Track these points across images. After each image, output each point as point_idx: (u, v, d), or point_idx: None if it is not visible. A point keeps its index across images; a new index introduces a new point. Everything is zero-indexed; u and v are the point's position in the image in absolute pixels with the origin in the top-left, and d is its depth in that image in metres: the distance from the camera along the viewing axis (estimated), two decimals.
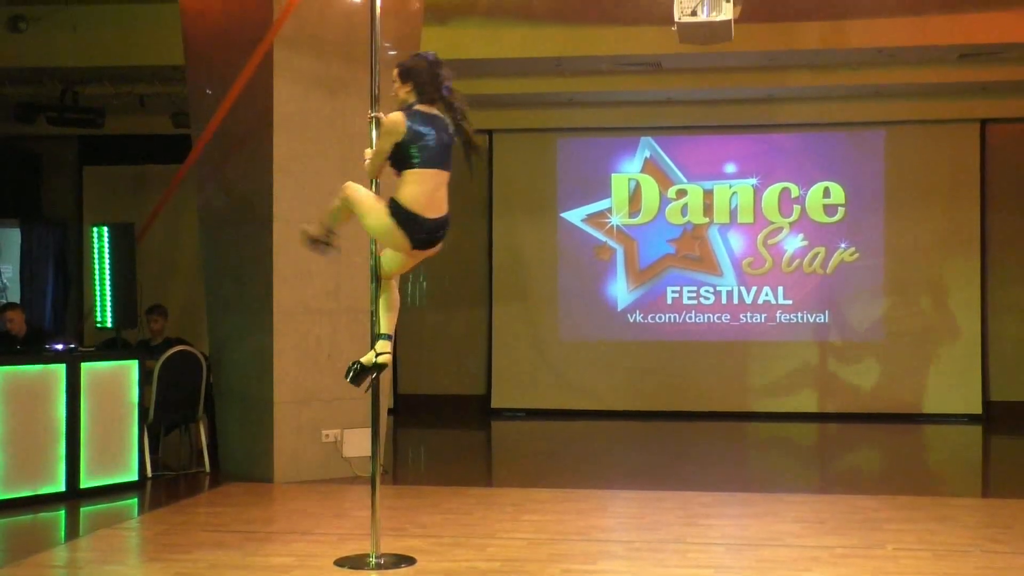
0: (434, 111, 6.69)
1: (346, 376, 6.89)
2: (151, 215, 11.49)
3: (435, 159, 6.60)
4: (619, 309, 15.92)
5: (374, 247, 7.00)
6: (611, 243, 15.94)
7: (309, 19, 9.96)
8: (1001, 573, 6.92)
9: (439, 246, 6.84)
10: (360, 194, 6.76)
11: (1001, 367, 15.32)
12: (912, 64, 13.68)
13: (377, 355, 6.82)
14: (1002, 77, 13.69)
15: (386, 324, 6.89)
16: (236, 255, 10.68)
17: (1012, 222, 15.35)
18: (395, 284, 7.05)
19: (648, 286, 15.88)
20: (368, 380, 6.88)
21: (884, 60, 13.41)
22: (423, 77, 6.66)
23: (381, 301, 6.91)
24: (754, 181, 15.68)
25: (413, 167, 6.58)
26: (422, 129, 6.57)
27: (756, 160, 15.74)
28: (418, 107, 6.66)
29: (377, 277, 6.96)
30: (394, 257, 6.92)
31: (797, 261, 15.62)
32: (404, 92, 6.72)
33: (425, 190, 6.58)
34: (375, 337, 6.93)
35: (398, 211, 6.58)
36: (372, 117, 6.89)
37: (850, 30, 12.63)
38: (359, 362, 6.85)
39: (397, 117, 6.58)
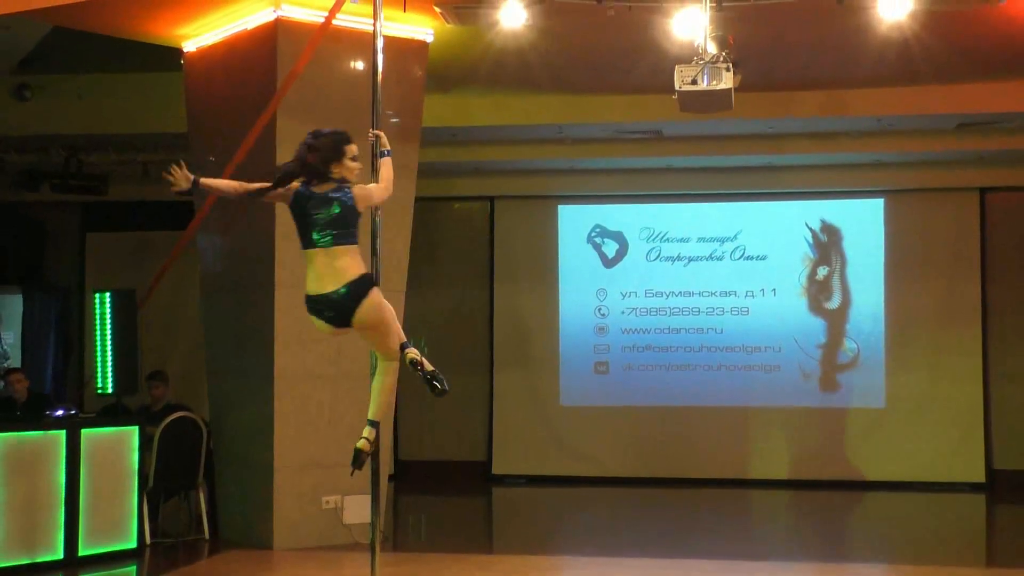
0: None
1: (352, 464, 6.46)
2: (154, 281, 11.53)
3: None
4: (620, 375, 15.89)
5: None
6: (613, 309, 15.95)
7: (312, 87, 10.04)
8: None
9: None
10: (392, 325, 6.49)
11: (1004, 435, 15.24)
12: (911, 133, 13.76)
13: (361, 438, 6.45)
14: (1001, 146, 13.75)
15: (373, 409, 6.53)
16: (237, 321, 10.70)
17: (1013, 290, 15.34)
18: (395, 367, 6.60)
19: (649, 352, 15.87)
20: (362, 463, 6.58)
21: (883, 129, 13.50)
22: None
23: (374, 383, 6.58)
24: (753, 249, 15.71)
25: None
26: None
27: (755, 227, 15.77)
28: None
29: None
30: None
31: (798, 328, 15.61)
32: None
33: None
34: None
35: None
36: (374, 135, 6.71)
37: (849, 99, 12.73)
38: (356, 447, 6.44)
39: None
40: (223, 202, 10.36)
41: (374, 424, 6.48)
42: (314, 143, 6.29)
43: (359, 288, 6.24)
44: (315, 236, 6.25)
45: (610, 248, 16.09)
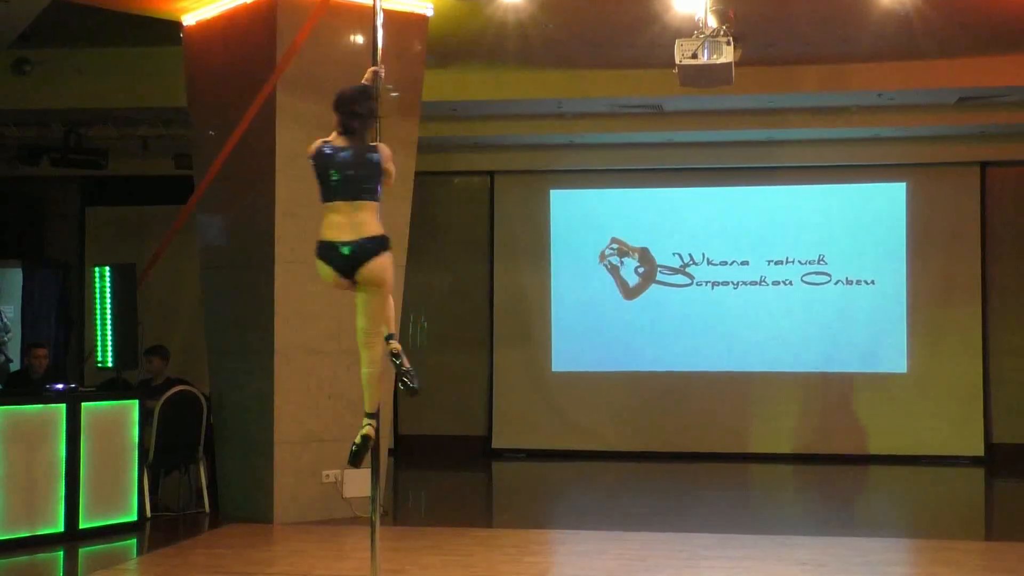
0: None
1: (349, 461, 6.57)
2: (154, 256, 11.51)
3: None
4: (620, 348, 15.89)
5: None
6: (614, 284, 15.94)
7: (311, 62, 10.01)
8: None
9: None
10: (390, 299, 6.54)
11: (1003, 410, 15.26)
12: (912, 107, 13.72)
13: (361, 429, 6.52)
14: (1002, 120, 13.73)
15: (368, 401, 6.56)
16: (237, 296, 10.70)
17: (1013, 265, 15.33)
18: (378, 356, 6.53)
19: (652, 325, 15.86)
20: (366, 456, 6.59)
21: (884, 104, 13.47)
22: None
23: (363, 377, 6.56)
24: (753, 222, 15.70)
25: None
26: None
27: (755, 202, 15.75)
28: None
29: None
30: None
31: (800, 303, 15.60)
32: None
33: None
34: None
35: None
36: (375, 71, 6.71)
37: (850, 74, 12.69)
38: (353, 442, 6.51)
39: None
40: (222, 177, 10.37)
41: (372, 415, 6.50)
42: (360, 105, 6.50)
43: (375, 244, 6.31)
44: (339, 189, 6.32)
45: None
